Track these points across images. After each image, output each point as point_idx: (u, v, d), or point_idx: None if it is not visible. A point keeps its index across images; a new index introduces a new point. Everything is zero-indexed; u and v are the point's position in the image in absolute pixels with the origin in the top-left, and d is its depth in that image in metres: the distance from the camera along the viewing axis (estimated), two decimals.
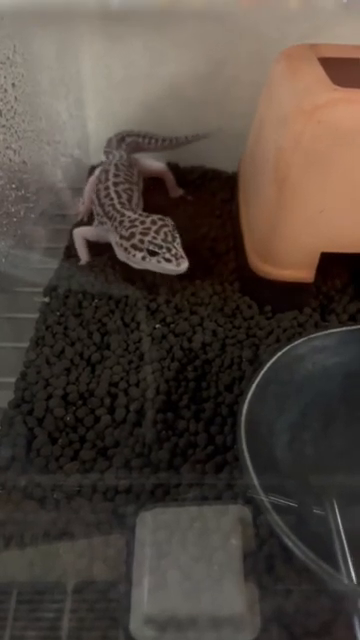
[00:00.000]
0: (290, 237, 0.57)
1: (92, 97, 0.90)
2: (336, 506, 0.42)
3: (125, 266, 0.69)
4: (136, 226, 0.61)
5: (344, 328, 0.52)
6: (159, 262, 0.59)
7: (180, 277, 0.67)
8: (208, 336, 0.58)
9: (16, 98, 0.59)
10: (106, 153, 0.81)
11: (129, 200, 0.68)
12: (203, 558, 0.40)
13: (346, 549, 0.39)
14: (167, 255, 0.59)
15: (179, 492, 0.45)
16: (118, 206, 0.66)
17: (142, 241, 0.60)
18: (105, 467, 0.47)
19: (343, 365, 0.51)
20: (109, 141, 0.83)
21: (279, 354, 0.48)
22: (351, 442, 0.48)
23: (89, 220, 0.77)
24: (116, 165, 0.73)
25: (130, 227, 0.61)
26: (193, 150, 0.91)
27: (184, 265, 0.59)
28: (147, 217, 0.62)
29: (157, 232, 0.60)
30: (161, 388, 0.53)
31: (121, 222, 0.63)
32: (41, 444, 0.49)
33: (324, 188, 0.53)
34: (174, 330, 0.59)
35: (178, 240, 0.60)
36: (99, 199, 0.69)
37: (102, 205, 0.68)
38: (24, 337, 0.59)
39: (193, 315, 0.61)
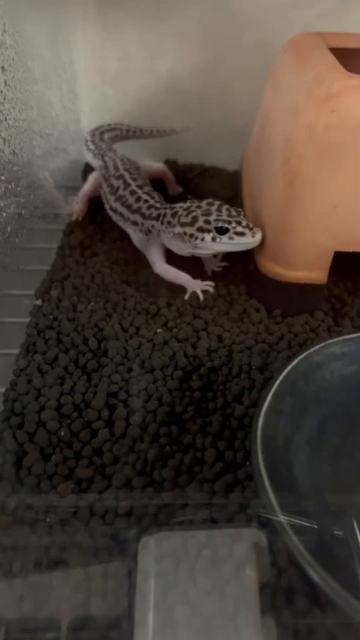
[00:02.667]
0: (301, 235, 0.55)
1: (86, 91, 0.88)
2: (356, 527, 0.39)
3: (123, 267, 0.66)
4: (194, 210, 0.58)
5: None
6: (231, 238, 0.56)
7: None
8: (214, 342, 0.55)
9: (6, 82, 0.56)
10: (98, 155, 0.76)
11: (160, 199, 0.66)
12: (214, 591, 0.36)
13: None
14: (239, 229, 0.56)
15: (185, 514, 0.42)
16: (158, 204, 0.64)
17: (208, 222, 0.56)
18: (103, 487, 0.45)
19: None
20: (94, 142, 0.79)
21: (295, 362, 0.44)
22: None
23: (83, 220, 0.74)
24: (128, 170, 0.70)
25: (188, 213, 0.58)
26: (192, 147, 0.89)
27: (259, 235, 0.56)
28: (200, 201, 0.60)
29: (219, 210, 0.57)
30: (164, 399, 0.50)
31: (174, 214, 0.60)
32: (32, 461, 0.46)
33: (338, 182, 0.51)
34: (177, 335, 0.56)
35: (242, 212, 0.58)
36: (129, 207, 0.65)
37: (137, 210, 0.64)
38: (13, 343, 0.56)
39: (197, 319, 0.58)
